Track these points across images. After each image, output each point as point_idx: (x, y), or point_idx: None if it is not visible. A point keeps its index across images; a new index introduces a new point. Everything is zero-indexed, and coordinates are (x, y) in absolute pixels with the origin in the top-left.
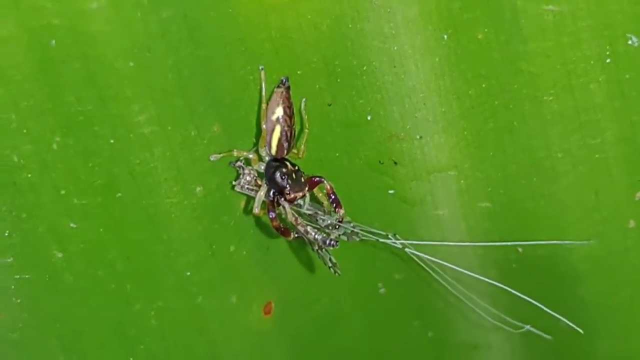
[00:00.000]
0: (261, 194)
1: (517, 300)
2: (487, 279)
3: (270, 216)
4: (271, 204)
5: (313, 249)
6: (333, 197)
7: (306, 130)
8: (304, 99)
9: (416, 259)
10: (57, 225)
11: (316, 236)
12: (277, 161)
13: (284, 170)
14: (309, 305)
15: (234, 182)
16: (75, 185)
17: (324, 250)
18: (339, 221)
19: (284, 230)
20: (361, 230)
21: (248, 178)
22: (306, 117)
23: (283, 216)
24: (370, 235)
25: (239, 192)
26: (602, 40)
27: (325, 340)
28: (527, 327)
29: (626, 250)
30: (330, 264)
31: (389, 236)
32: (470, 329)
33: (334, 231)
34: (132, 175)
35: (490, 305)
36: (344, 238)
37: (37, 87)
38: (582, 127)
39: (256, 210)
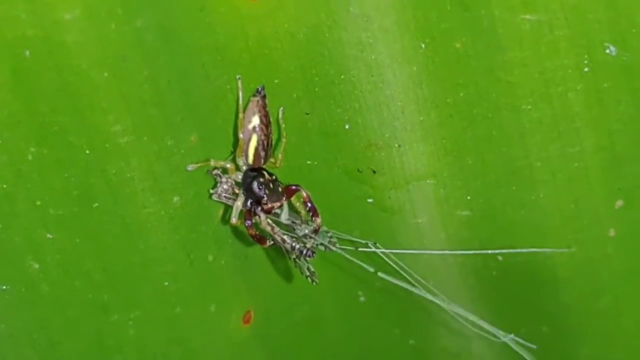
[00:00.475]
0: (238, 203)
1: (499, 308)
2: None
3: (247, 224)
4: (248, 213)
5: (290, 258)
6: (310, 205)
7: (283, 139)
8: (281, 108)
9: (394, 266)
10: (33, 235)
11: (293, 245)
12: (255, 171)
13: (261, 180)
14: (289, 313)
15: (211, 191)
16: (51, 196)
17: (301, 259)
18: (316, 230)
19: (260, 237)
20: (339, 239)
21: (225, 187)
22: (283, 126)
23: (261, 225)
24: (348, 247)
25: (216, 200)
26: (580, 49)
27: (305, 348)
28: (510, 336)
29: (607, 257)
30: (307, 273)
31: (369, 244)
32: (451, 337)
33: (311, 240)
34: (108, 185)
35: (471, 313)
36: (322, 248)
37: (12, 98)
38: (561, 136)
39: (234, 220)
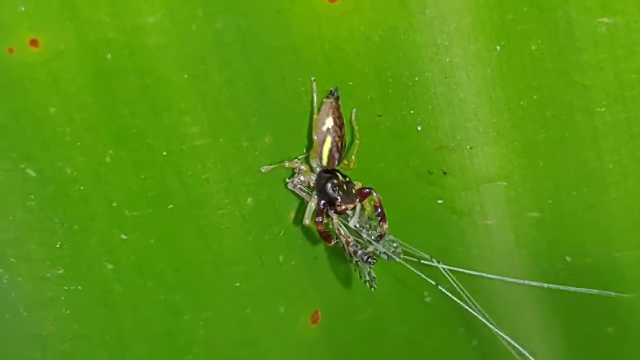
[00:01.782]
0: (312, 204)
1: (565, 308)
2: (532, 282)
3: (317, 219)
4: (320, 212)
5: (351, 262)
6: (379, 210)
7: (357, 141)
8: (354, 110)
9: (453, 283)
10: (108, 236)
11: (357, 249)
12: (328, 172)
13: (335, 181)
14: (354, 314)
15: (287, 180)
16: (127, 197)
17: (362, 264)
18: (381, 235)
19: (327, 235)
20: (403, 249)
21: (302, 178)
22: (357, 127)
23: (330, 226)
24: (411, 258)
25: (290, 189)
26: None
27: (370, 349)
28: None
29: None
30: (367, 278)
31: (433, 260)
32: (515, 337)
33: (374, 246)
34: (183, 186)
35: (535, 315)
36: (384, 257)
37: (92, 101)
38: (634, 139)
39: (307, 222)
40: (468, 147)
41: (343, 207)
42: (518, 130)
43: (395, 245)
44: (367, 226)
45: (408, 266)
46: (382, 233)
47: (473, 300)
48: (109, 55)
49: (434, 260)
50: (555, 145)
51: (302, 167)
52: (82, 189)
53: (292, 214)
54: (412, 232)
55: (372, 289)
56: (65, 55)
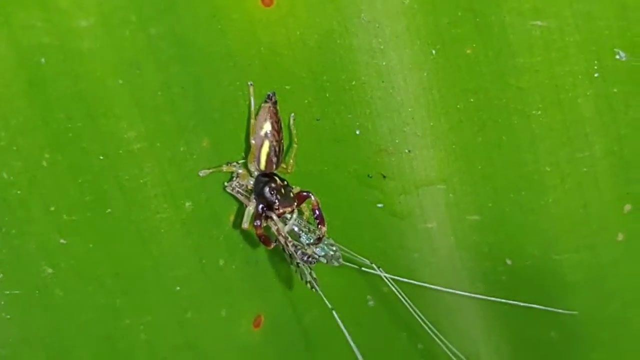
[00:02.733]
0: (250, 208)
1: (507, 313)
2: (473, 294)
3: (255, 224)
4: (259, 216)
5: (292, 263)
6: (317, 212)
7: (295, 145)
8: (292, 114)
9: (394, 290)
10: (47, 241)
11: (296, 250)
12: (266, 176)
13: (272, 185)
14: (299, 318)
15: (226, 183)
16: (65, 201)
17: (302, 265)
18: (319, 238)
19: (265, 238)
20: (344, 255)
21: (241, 181)
22: (295, 131)
23: (270, 230)
24: (351, 265)
25: (229, 192)
26: (590, 55)
27: (315, 353)
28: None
29: (615, 262)
30: (308, 279)
31: (374, 266)
32: (460, 340)
33: (312, 248)
34: (121, 191)
35: (479, 318)
36: (323, 260)
37: (27, 105)
38: (571, 141)
39: (245, 225)
40: (407, 150)
41: (281, 210)
42: (456, 134)
43: (334, 249)
44: (306, 229)
45: (350, 265)
46: (321, 236)
47: (413, 307)
48: (43, 60)
49: (374, 266)
50: (492, 148)
51: (240, 170)
52: (19, 193)
53: (232, 218)
54: (353, 235)
55: (314, 289)
56: None
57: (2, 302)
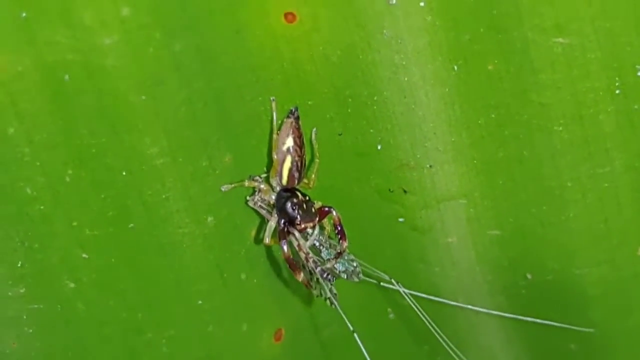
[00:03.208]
0: (272, 223)
1: (528, 325)
2: (492, 311)
3: (282, 245)
4: (282, 233)
5: (311, 279)
6: (339, 228)
7: (317, 160)
8: (314, 129)
9: (413, 306)
10: (69, 255)
11: (316, 266)
12: (288, 191)
13: (294, 200)
14: (319, 331)
15: (248, 197)
16: (88, 217)
17: (322, 281)
18: (339, 253)
19: (292, 263)
20: (364, 270)
21: (263, 196)
22: (317, 146)
23: (295, 248)
24: (370, 279)
25: (251, 207)
26: (611, 72)
27: None
28: None
29: (635, 276)
30: (328, 295)
31: (392, 281)
32: (479, 352)
33: (332, 262)
34: (144, 206)
35: (498, 331)
36: (344, 276)
37: (51, 121)
38: (592, 157)
39: (267, 240)
40: (428, 165)
41: (302, 225)
42: (477, 149)
43: (355, 264)
44: (327, 244)
45: (369, 280)
46: (341, 251)
47: (431, 322)
48: (67, 76)
49: (393, 281)
50: (514, 163)
51: (262, 185)
52: (42, 208)
53: (253, 232)
54: (374, 249)
55: (333, 306)
56: (23, 77)
57: (25, 316)
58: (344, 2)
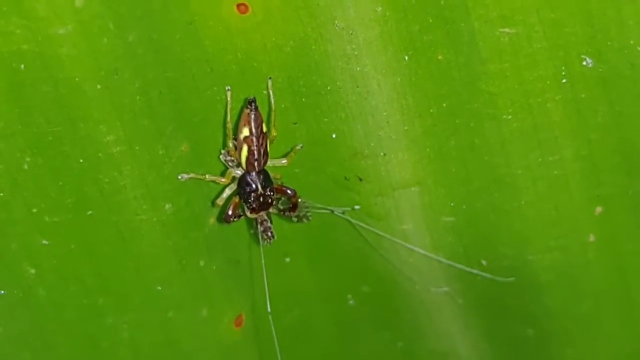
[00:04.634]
0: (228, 191)
1: (485, 312)
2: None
3: (228, 213)
4: (234, 207)
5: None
6: (292, 205)
7: (273, 110)
8: (269, 77)
9: (365, 238)
10: (29, 242)
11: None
12: (251, 180)
13: (253, 195)
14: (280, 317)
15: (222, 151)
16: (46, 204)
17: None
18: (295, 206)
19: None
20: (312, 206)
21: (231, 156)
22: (272, 96)
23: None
24: (322, 210)
25: (221, 160)
26: (558, 61)
27: (296, 352)
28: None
29: (587, 262)
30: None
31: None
32: (438, 338)
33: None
34: (101, 193)
35: (456, 317)
36: (295, 220)
37: (7, 110)
38: (541, 145)
39: (219, 202)
40: (382, 154)
41: (256, 214)
42: (429, 137)
43: (306, 205)
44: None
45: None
46: (295, 202)
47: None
48: (22, 66)
49: (338, 211)
50: (465, 151)
51: (222, 179)
52: (1, 195)
53: (212, 220)
54: (331, 236)
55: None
56: None
57: None
58: None
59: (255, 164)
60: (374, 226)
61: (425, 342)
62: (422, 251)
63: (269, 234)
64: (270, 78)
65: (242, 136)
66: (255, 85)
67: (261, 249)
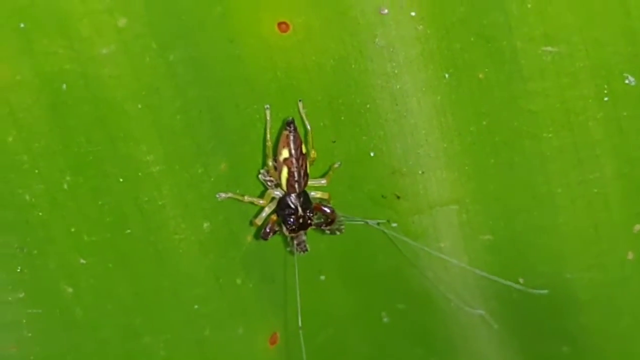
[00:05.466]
0: (267, 210)
1: (520, 329)
2: (476, 270)
3: (266, 231)
4: (273, 225)
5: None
6: (330, 220)
7: (309, 130)
8: (300, 100)
9: (396, 244)
10: (67, 261)
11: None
12: (291, 202)
13: (293, 217)
14: (314, 336)
15: (260, 171)
16: (85, 223)
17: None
18: (331, 220)
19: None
20: (346, 218)
21: (270, 177)
22: (305, 117)
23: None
24: (356, 221)
25: (260, 180)
26: (600, 80)
27: None
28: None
29: (625, 280)
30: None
31: (376, 222)
32: (472, 357)
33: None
34: (140, 212)
35: (491, 335)
36: (327, 232)
37: (48, 129)
38: (581, 163)
39: (257, 221)
40: (420, 172)
41: (294, 234)
42: (468, 155)
43: (340, 219)
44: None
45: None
46: (333, 218)
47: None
48: (64, 86)
49: (373, 222)
50: (504, 169)
51: (261, 201)
52: (41, 214)
53: (249, 238)
54: (367, 254)
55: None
56: (21, 86)
57: (24, 321)
58: (337, 12)
59: (296, 185)
60: (411, 244)
61: (459, 359)
62: (458, 262)
63: (303, 246)
64: (300, 100)
65: (281, 158)
66: (294, 104)
67: (295, 265)
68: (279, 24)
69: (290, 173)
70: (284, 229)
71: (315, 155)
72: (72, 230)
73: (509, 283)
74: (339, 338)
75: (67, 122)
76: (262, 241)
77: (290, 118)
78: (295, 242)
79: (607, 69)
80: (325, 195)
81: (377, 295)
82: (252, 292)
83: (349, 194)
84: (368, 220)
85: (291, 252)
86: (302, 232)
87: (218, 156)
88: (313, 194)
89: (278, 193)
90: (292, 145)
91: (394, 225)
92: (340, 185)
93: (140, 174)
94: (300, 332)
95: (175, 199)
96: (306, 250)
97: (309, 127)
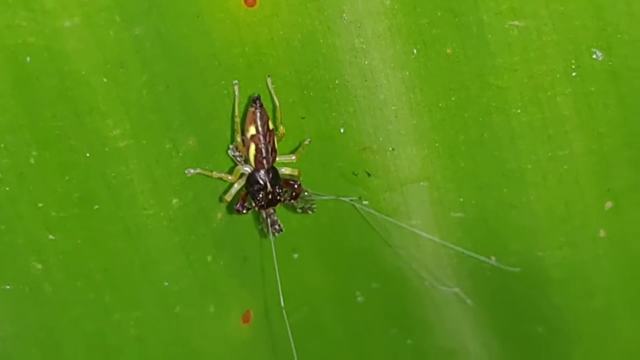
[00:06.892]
0: (237, 187)
1: (494, 308)
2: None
3: (238, 208)
4: (243, 200)
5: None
6: (294, 194)
7: (278, 106)
8: (268, 76)
9: (372, 224)
10: (35, 237)
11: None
12: (260, 178)
13: (261, 193)
14: (289, 315)
15: (230, 146)
16: (53, 198)
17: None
18: (297, 195)
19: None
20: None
21: (240, 152)
22: (274, 93)
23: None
24: (327, 197)
25: (229, 155)
26: (568, 55)
27: (304, 349)
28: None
29: (598, 258)
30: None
31: (349, 199)
32: (447, 335)
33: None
34: (108, 187)
35: (466, 314)
36: (299, 211)
37: (14, 103)
38: (551, 139)
39: (227, 198)
40: (390, 148)
41: (263, 210)
42: (438, 132)
43: (310, 195)
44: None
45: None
46: (298, 192)
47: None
48: (28, 59)
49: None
50: (474, 146)
51: (230, 177)
52: (7, 190)
53: (219, 215)
54: (339, 232)
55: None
56: None
57: None
58: None
59: (264, 161)
60: (382, 221)
61: (434, 339)
62: (430, 236)
63: (277, 227)
64: (269, 76)
65: (249, 135)
66: (262, 79)
67: (272, 244)
68: None
69: (257, 150)
70: (253, 204)
71: (284, 131)
72: (40, 205)
73: (482, 257)
74: (314, 317)
75: (32, 96)
76: (232, 217)
77: (256, 94)
78: (269, 221)
79: (574, 43)
80: (296, 172)
81: (351, 274)
82: (223, 270)
83: (321, 171)
84: (340, 197)
85: (263, 231)
86: (271, 208)
87: (186, 132)
88: (284, 170)
89: (247, 169)
90: (258, 122)
91: (366, 202)
92: (312, 163)
93: (107, 149)
94: (284, 311)
95: (143, 175)
96: (281, 231)
97: (277, 102)
